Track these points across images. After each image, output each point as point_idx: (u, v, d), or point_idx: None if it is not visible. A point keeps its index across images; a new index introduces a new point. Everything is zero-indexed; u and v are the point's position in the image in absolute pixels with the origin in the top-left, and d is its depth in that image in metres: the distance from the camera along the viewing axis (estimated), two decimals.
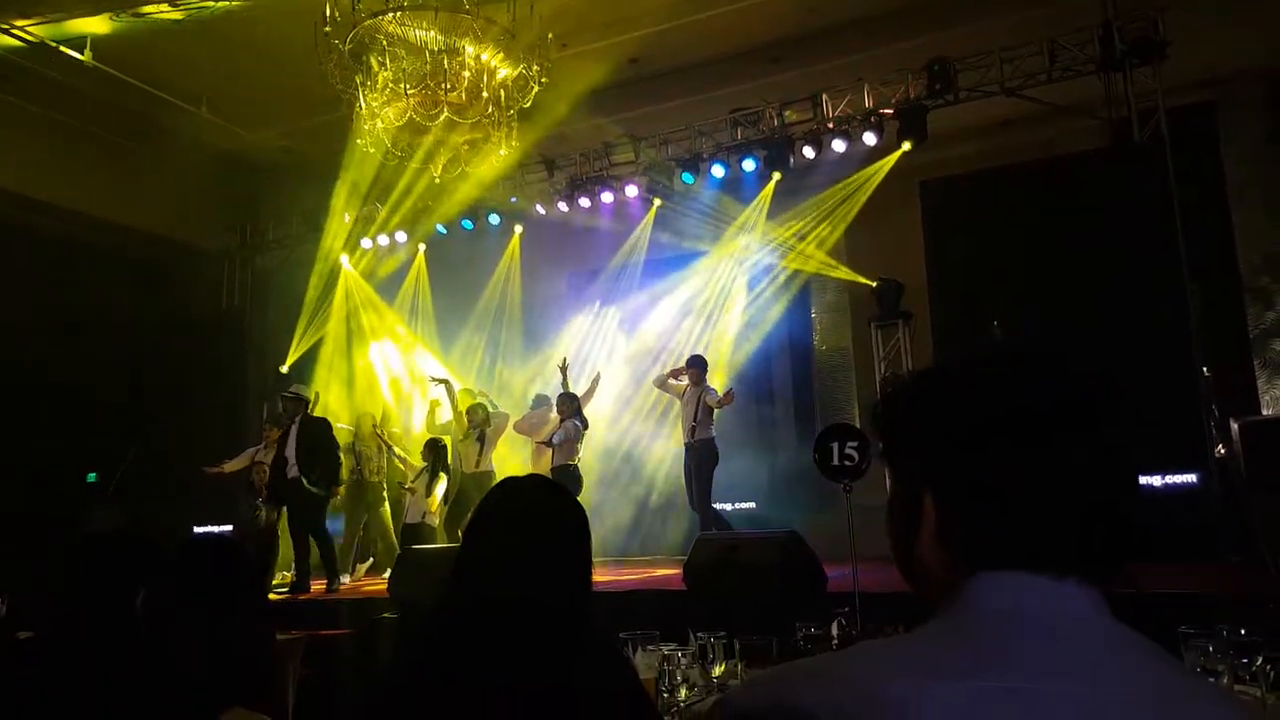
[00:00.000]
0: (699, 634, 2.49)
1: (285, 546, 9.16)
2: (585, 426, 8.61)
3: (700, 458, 8.18)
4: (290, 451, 8.32)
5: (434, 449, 8.87)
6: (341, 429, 9.53)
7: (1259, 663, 1.97)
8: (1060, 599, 0.81)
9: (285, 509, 8.45)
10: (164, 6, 8.45)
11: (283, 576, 9.17)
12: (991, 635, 0.80)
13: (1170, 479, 7.14)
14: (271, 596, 8.03)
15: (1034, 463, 0.84)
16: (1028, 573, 0.82)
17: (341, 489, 8.82)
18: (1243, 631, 2.21)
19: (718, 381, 9.21)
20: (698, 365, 8.48)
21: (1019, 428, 0.85)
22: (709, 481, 8.20)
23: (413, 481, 8.90)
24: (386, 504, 9.63)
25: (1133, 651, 0.80)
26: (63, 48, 8.89)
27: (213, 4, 8.38)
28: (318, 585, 8.28)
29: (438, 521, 8.83)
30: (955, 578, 0.85)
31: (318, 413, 8.98)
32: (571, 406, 8.59)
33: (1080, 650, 0.78)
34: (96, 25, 8.72)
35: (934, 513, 0.89)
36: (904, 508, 0.92)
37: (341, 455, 8.68)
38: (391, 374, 11.63)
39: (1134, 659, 0.79)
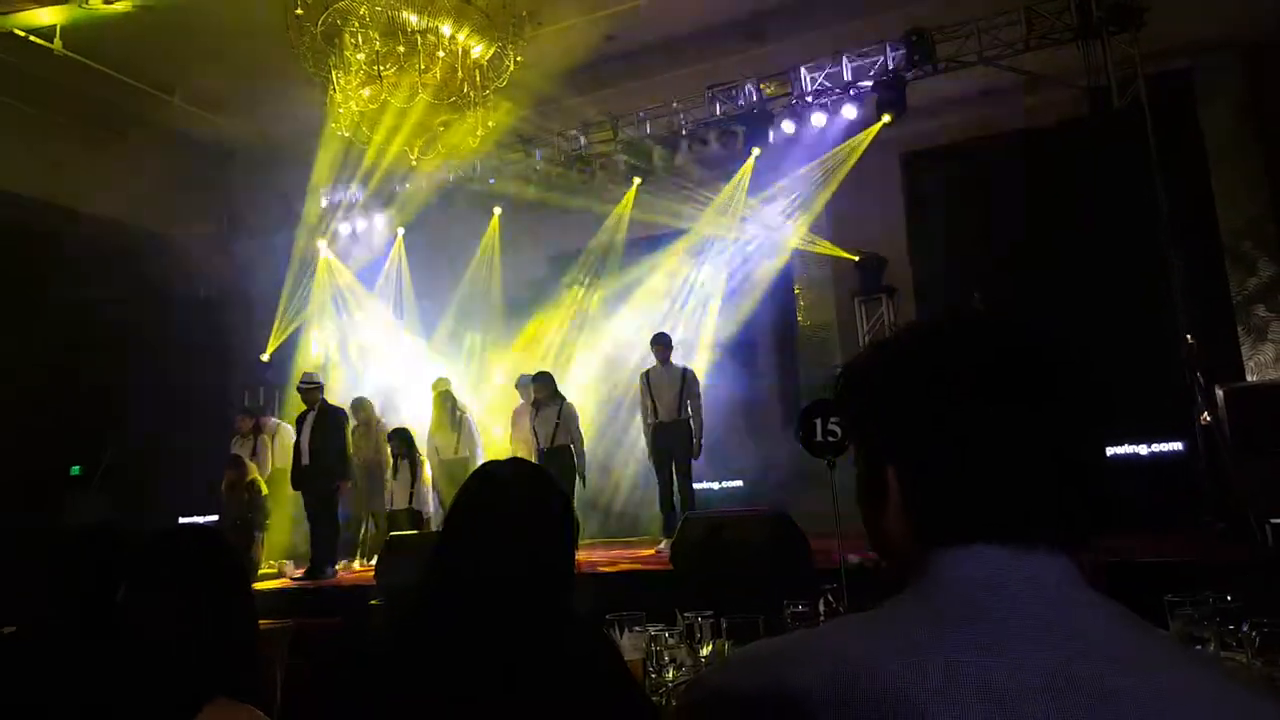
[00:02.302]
0: (686, 614, 2.47)
1: (274, 534, 9.16)
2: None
3: (683, 436, 8.16)
4: (305, 440, 8.38)
5: (401, 437, 8.86)
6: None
7: (1244, 629, 1.97)
8: (1029, 569, 0.80)
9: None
10: None
11: (270, 565, 9.16)
12: (964, 608, 0.79)
13: (1155, 447, 7.19)
14: (259, 586, 8.03)
15: (990, 432, 0.83)
16: (994, 544, 0.81)
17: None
18: (1228, 598, 2.21)
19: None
20: (663, 342, 8.45)
21: (973, 398, 0.84)
22: (690, 461, 8.18)
23: (392, 472, 8.91)
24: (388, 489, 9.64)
25: (1108, 618, 0.79)
26: (32, 37, 8.72)
27: None
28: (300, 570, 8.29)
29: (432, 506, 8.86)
30: (923, 551, 0.85)
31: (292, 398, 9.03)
32: (552, 385, 8.57)
33: (1055, 619, 0.77)
34: (53, 16, 8.54)
35: (897, 487, 0.88)
36: (869, 483, 0.91)
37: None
38: (371, 360, 11.56)
39: (1109, 626, 0.78)
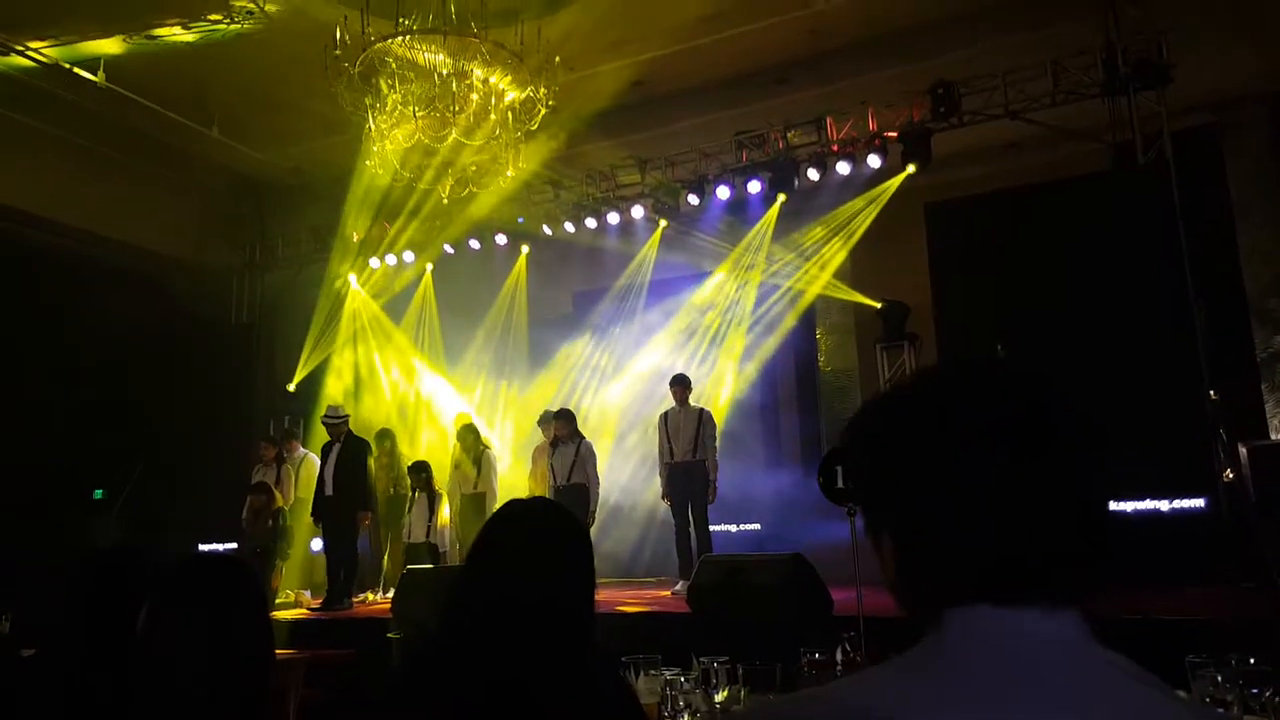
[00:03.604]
0: (702, 659, 2.47)
1: (291, 563, 9.20)
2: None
3: (699, 477, 8.16)
4: (330, 472, 8.47)
5: (420, 471, 8.91)
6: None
7: (1269, 694, 1.95)
8: (1033, 628, 0.80)
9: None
10: (176, 29, 8.54)
11: (286, 595, 9.18)
12: (971, 670, 0.79)
13: (1178, 504, 7.10)
14: (280, 616, 8.06)
15: (982, 489, 0.82)
16: (990, 603, 0.81)
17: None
18: (1252, 660, 2.19)
19: (723, 402, 9.19)
20: (683, 383, 8.48)
21: (963, 455, 0.83)
22: (706, 503, 8.18)
23: (409, 505, 8.96)
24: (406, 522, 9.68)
25: (1112, 676, 0.78)
26: (76, 69, 8.98)
27: (224, 26, 8.47)
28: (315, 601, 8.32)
29: (450, 540, 8.89)
30: (929, 608, 0.85)
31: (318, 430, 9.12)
32: (573, 423, 8.61)
33: (1062, 678, 0.77)
34: (109, 47, 8.82)
35: (891, 550, 0.89)
36: (873, 541, 0.92)
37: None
38: (396, 394, 11.65)
39: (1113, 684, 0.78)
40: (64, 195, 10.22)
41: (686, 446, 8.24)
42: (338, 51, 7.07)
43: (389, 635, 5.92)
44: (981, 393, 0.86)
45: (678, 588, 7.78)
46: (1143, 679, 0.79)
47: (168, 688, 1.50)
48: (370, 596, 9.12)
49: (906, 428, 0.88)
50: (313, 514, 8.68)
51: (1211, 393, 7.29)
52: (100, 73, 9.00)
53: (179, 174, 10.95)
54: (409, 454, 9.86)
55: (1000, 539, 0.81)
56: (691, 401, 8.51)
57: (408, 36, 7.04)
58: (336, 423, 8.77)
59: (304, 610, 8.41)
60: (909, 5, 8.33)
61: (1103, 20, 8.05)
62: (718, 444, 8.35)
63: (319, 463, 8.92)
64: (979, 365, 0.89)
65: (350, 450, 8.61)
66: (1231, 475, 6.97)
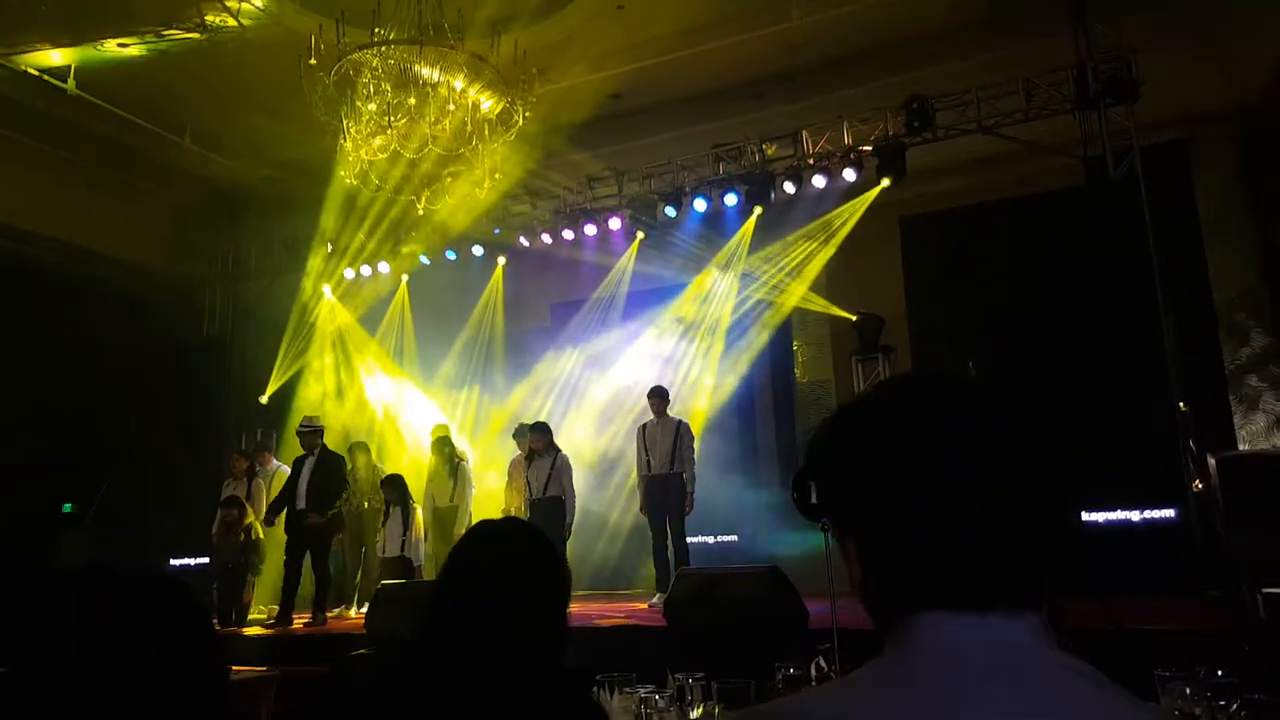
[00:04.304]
0: (677, 675, 2.47)
1: (266, 579, 9.08)
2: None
3: (676, 489, 8.16)
4: (303, 485, 8.31)
5: (394, 484, 8.83)
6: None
7: (1235, 706, 1.97)
8: (992, 633, 0.81)
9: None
10: (149, 38, 8.46)
11: (259, 611, 9.07)
12: (933, 675, 0.80)
13: (1148, 514, 7.18)
14: (251, 632, 7.95)
15: (938, 498, 0.83)
16: (951, 611, 0.83)
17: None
18: (1219, 673, 2.21)
19: (699, 414, 9.21)
20: (660, 395, 8.49)
21: (914, 468, 0.85)
22: (684, 515, 8.17)
23: (382, 519, 8.86)
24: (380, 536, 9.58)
25: (1071, 681, 0.80)
26: (46, 77, 8.88)
27: (197, 36, 8.40)
28: (300, 618, 8.20)
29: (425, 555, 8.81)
30: (894, 616, 0.86)
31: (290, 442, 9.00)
32: (548, 436, 8.59)
33: (1021, 682, 0.78)
34: (80, 55, 8.72)
35: (857, 557, 0.90)
36: (841, 550, 0.93)
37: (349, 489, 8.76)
38: (371, 406, 11.56)
39: (1073, 689, 0.79)
40: (33, 204, 10.09)
41: (664, 459, 8.23)
42: (313, 60, 7.03)
43: (360, 652, 5.85)
44: (940, 404, 0.89)
45: (654, 600, 7.76)
46: (1102, 684, 0.80)
47: (127, 708, 1.47)
48: (347, 612, 9.03)
49: (869, 437, 0.90)
50: (286, 528, 8.51)
51: (1181, 404, 7.38)
52: (70, 80, 8.91)
53: (150, 183, 10.83)
54: (383, 467, 9.78)
55: (957, 546, 0.83)
56: (670, 413, 8.51)
57: (384, 47, 7.01)
58: (310, 433, 8.64)
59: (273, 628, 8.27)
60: (884, 22, 8.42)
61: (1073, 38, 8.17)
62: (695, 455, 8.35)
63: (288, 471, 8.80)
64: (939, 377, 0.91)
65: (325, 465, 8.48)
66: (1201, 486, 7.05)
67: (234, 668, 5.32)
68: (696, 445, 8.48)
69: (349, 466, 8.96)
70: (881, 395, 0.95)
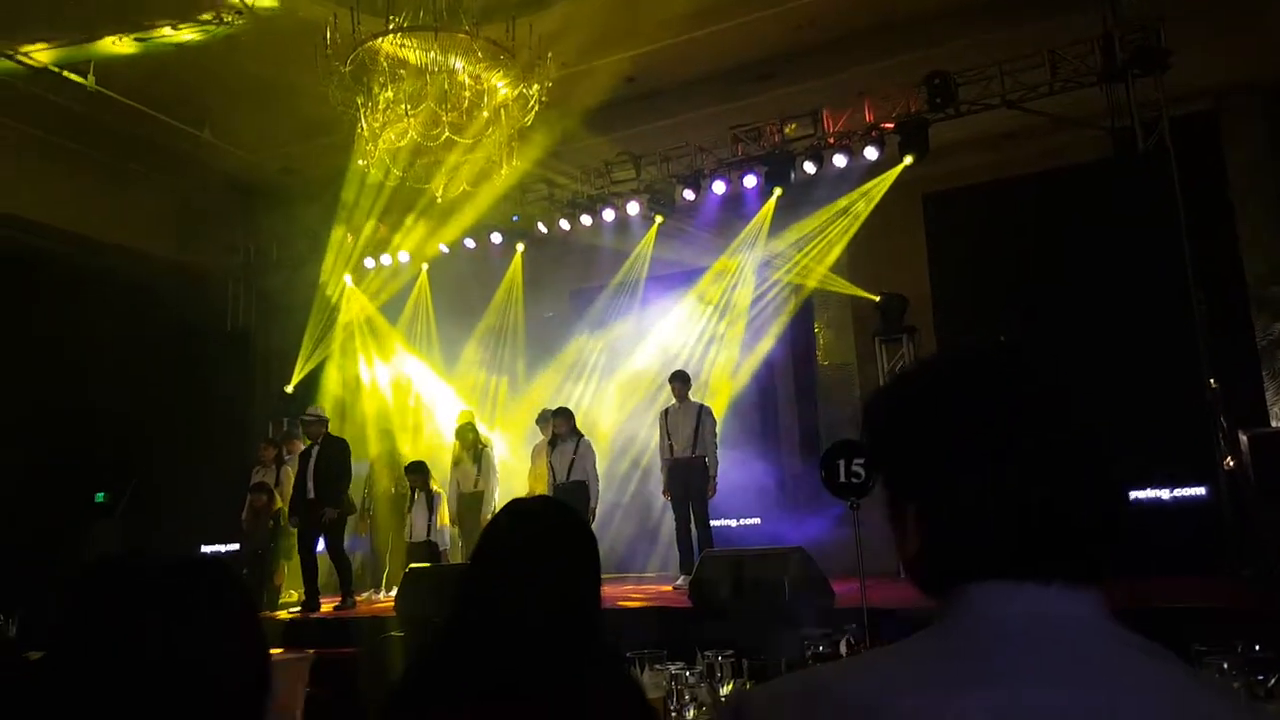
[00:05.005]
0: (706, 653, 2.47)
1: (294, 564, 9.18)
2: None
3: (698, 473, 8.16)
4: (310, 473, 8.38)
5: (418, 470, 8.89)
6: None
7: (1274, 680, 1.94)
8: (1051, 604, 0.81)
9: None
10: (165, 30, 8.49)
11: (289, 595, 9.18)
12: (989, 644, 0.80)
13: (1179, 492, 7.08)
14: (283, 615, 8.05)
15: (1006, 469, 0.83)
16: (1011, 580, 0.82)
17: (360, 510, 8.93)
18: (1257, 648, 2.18)
19: (721, 397, 9.18)
20: (681, 379, 8.48)
21: (990, 434, 0.85)
22: (706, 498, 8.18)
23: (408, 505, 8.94)
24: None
25: (1135, 653, 0.79)
26: (66, 73, 8.93)
27: (214, 27, 8.42)
28: (329, 603, 8.29)
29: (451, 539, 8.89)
30: (946, 585, 0.86)
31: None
32: (571, 421, 8.60)
33: (1080, 655, 0.78)
34: (98, 49, 8.76)
35: (915, 523, 0.89)
36: (892, 516, 0.92)
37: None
38: (394, 393, 11.63)
39: (1137, 661, 0.79)
40: (56, 200, 10.18)
41: (686, 443, 8.23)
42: (329, 50, 7.03)
43: (392, 634, 5.91)
44: (1008, 371, 0.90)
45: (679, 582, 7.78)
46: (1159, 655, 0.80)
47: (168, 692, 1.47)
48: (376, 596, 9.12)
49: (937, 400, 0.90)
50: (291, 515, 8.57)
51: (1211, 381, 7.27)
52: (90, 76, 8.95)
53: (171, 177, 10.90)
54: (409, 454, 9.84)
55: (1026, 512, 0.83)
56: (691, 397, 8.50)
57: (398, 34, 7.00)
58: (313, 423, 8.68)
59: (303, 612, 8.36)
60: None
61: (1099, 8, 8.02)
62: (718, 439, 8.34)
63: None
64: (1007, 348, 0.93)
65: (329, 452, 8.51)
66: (1232, 463, 6.96)
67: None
68: (719, 429, 8.46)
69: (374, 454, 9.03)
70: (947, 361, 0.96)
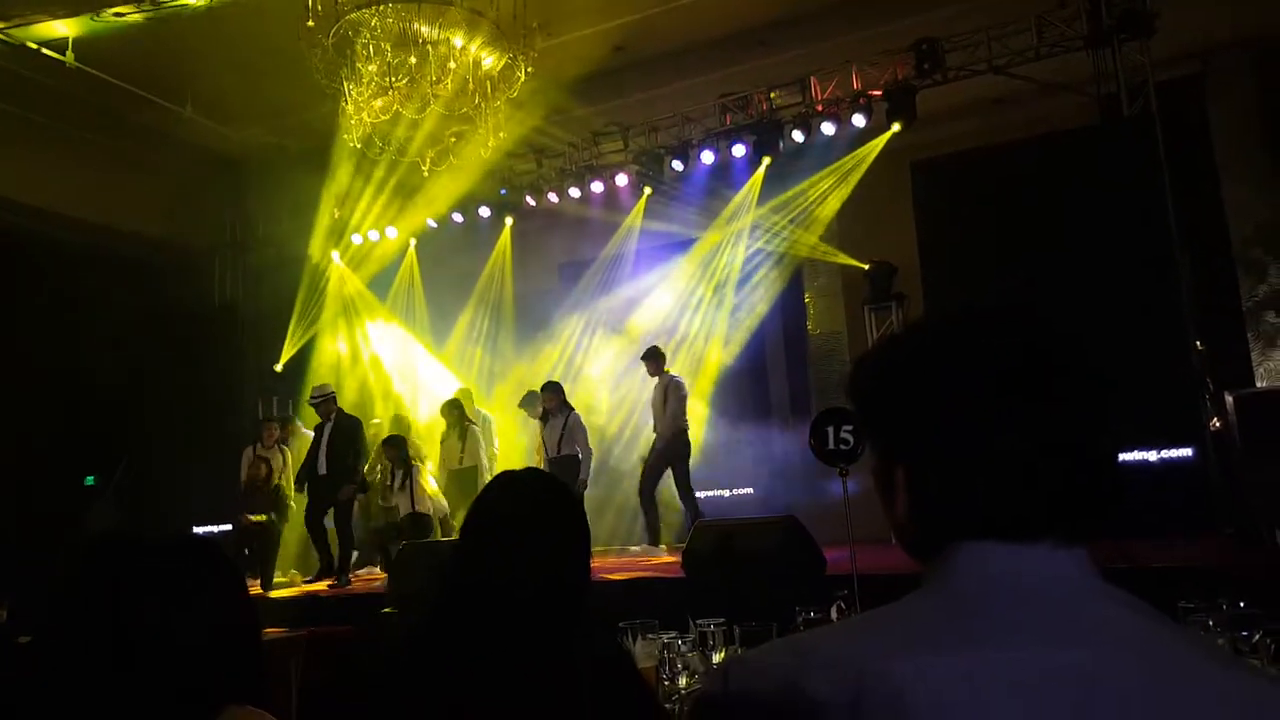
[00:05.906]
0: (698, 621, 2.49)
1: (286, 545, 9.18)
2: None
3: (678, 447, 8.25)
4: (323, 450, 8.41)
5: (394, 444, 8.87)
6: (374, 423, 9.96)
7: (1258, 636, 1.97)
8: (1040, 564, 0.81)
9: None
10: (145, 5, 8.35)
11: (292, 575, 9.19)
12: (978, 604, 0.80)
13: (1165, 453, 7.15)
14: (276, 594, 8.06)
15: (996, 428, 0.83)
16: (1000, 540, 0.82)
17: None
18: (1241, 605, 2.21)
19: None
20: (651, 358, 8.60)
21: (979, 394, 0.84)
22: (687, 470, 8.32)
23: (392, 480, 8.91)
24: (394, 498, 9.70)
25: (1123, 610, 0.80)
26: (44, 50, 8.80)
27: (194, 2, 8.28)
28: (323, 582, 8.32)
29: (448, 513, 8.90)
30: (936, 546, 0.86)
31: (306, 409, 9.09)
32: (561, 395, 8.62)
33: (1068, 614, 0.78)
34: (77, 26, 8.62)
35: (905, 483, 0.89)
36: (881, 477, 0.92)
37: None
38: (384, 370, 11.60)
39: (1124, 619, 0.79)
40: (38, 179, 10.05)
41: (659, 418, 8.35)
42: (310, 22, 6.94)
43: (386, 611, 5.94)
44: (1001, 331, 0.89)
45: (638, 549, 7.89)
46: (1146, 613, 0.80)
47: (161, 672, 1.49)
48: (376, 570, 9.13)
49: (928, 361, 0.90)
50: (297, 484, 8.61)
51: (1198, 343, 7.32)
52: (69, 53, 8.82)
53: (154, 154, 10.77)
54: (398, 430, 9.84)
55: (1015, 473, 0.83)
56: (670, 371, 8.57)
57: (382, 5, 6.91)
58: (323, 401, 8.70)
59: (302, 588, 8.38)
60: None
61: None
62: (681, 408, 8.39)
63: (312, 435, 8.88)
64: (998, 307, 0.92)
65: (342, 429, 8.55)
66: (1218, 424, 7.02)
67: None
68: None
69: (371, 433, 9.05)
70: (939, 322, 0.95)
